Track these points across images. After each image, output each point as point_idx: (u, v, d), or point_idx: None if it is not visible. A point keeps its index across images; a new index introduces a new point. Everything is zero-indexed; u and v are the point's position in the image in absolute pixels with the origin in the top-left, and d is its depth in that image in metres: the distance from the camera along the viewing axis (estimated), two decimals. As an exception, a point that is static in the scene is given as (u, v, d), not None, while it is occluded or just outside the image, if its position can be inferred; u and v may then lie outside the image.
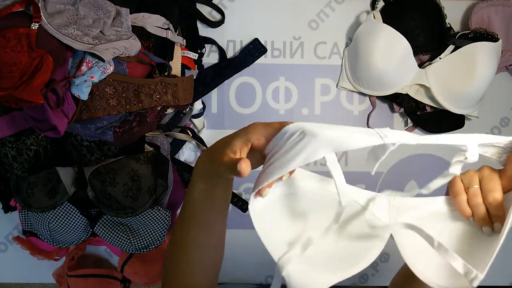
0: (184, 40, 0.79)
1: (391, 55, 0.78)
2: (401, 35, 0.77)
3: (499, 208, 0.41)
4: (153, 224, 0.80)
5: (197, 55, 0.83)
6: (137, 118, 0.71)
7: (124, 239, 0.81)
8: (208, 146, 0.86)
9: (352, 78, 0.87)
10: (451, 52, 0.81)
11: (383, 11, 0.84)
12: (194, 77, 0.83)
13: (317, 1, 0.88)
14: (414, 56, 0.79)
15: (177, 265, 0.54)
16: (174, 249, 0.54)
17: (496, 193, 0.42)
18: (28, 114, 0.63)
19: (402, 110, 0.88)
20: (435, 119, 0.86)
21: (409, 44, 0.77)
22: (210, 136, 0.89)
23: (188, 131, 0.85)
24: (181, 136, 0.84)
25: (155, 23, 0.72)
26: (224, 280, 0.93)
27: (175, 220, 0.88)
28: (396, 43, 0.78)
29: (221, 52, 0.87)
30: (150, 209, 0.78)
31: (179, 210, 0.90)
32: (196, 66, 0.86)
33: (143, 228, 0.81)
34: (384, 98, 0.88)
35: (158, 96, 0.71)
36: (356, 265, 0.41)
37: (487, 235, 0.41)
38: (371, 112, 0.89)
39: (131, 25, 0.68)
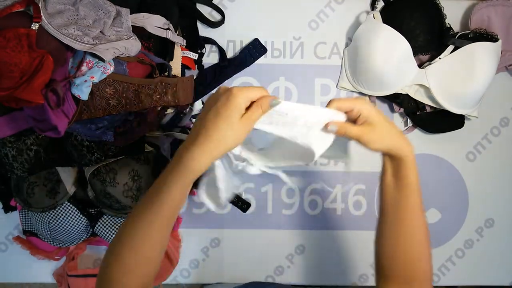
0: (184, 40, 0.79)
1: (391, 55, 0.78)
2: (401, 35, 0.77)
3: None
4: (153, 224, 0.80)
5: (197, 55, 0.83)
6: (137, 118, 0.71)
7: (124, 239, 0.81)
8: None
9: (352, 78, 0.87)
10: (451, 52, 0.81)
11: (382, 11, 0.84)
12: (194, 77, 0.83)
13: (317, 1, 0.89)
14: (414, 56, 0.79)
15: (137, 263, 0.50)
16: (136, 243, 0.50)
17: None
18: (28, 114, 0.63)
19: (402, 110, 0.88)
20: (435, 119, 0.86)
21: (409, 44, 0.77)
22: (210, 136, 0.89)
23: (188, 131, 0.85)
24: (182, 136, 0.83)
25: (155, 23, 0.72)
26: (223, 280, 0.93)
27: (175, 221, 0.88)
28: (395, 43, 0.78)
29: (221, 52, 0.87)
30: (150, 209, 0.78)
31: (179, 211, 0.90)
32: (196, 66, 0.86)
33: (143, 228, 0.81)
34: (384, 98, 0.88)
35: (158, 96, 0.71)
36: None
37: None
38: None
39: (131, 25, 0.68)
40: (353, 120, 0.53)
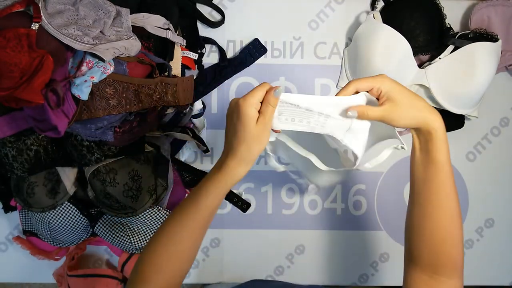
0: (184, 40, 0.79)
1: (390, 55, 0.78)
2: (401, 35, 0.77)
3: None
4: (153, 224, 0.80)
5: (197, 55, 0.83)
6: (137, 118, 0.71)
7: (124, 238, 0.81)
8: (208, 146, 0.87)
9: (352, 78, 0.87)
10: (451, 52, 0.81)
11: (382, 11, 0.84)
12: (194, 77, 0.83)
13: (317, 1, 0.88)
14: (414, 56, 0.79)
15: (169, 260, 0.53)
16: (172, 242, 0.53)
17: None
18: (28, 114, 0.63)
19: (402, 110, 0.88)
20: (435, 119, 0.86)
21: (409, 44, 0.77)
22: (210, 136, 0.89)
23: (188, 131, 0.85)
24: (181, 136, 0.84)
25: (155, 23, 0.72)
26: (223, 280, 0.93)
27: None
28: (395, 43, 0.78)
29: (221, 52, 0.87)
30: (150, 209, 0.78)
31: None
32: (196, 66, 0.86)
33: (143, 228, 0.81)
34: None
35: (158, 96, 0.71)
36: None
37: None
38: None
39: (131, 25, 0.68)
40: (376, 98, 0.52)
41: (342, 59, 0.89)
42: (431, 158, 0.52)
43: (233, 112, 0.51)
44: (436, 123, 0.51)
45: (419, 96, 0.52)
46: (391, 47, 0.78)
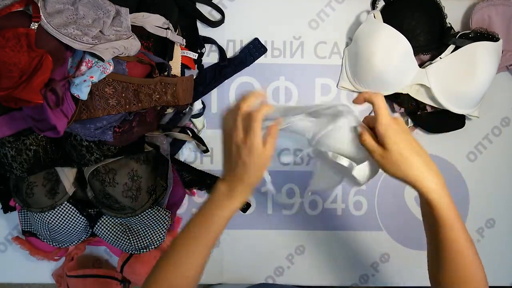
0: (184, 40, 0.79)
1: (391, 55, 0.78)
2: (402, 34, 0.77)
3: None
4: (152, 224, 0.80)
5: (197, 54, 0.82)
6: (136, 118, 0.71)
7: (123, 239, 0.81)
8: (208, 146, 0.86)
9: (352, 78, 0.87)
10: (452, 52, 0.81)
11: (383, 11, 0.84)
12: (194, 77, 0.83)
13: (317, 1, 0.88)
14: (415, 55, 0.79)
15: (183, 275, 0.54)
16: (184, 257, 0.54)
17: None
18: (27, 114, 0.62)
19: (402, 110, 0.88)
20: (436, 119, 0.86)
21: (410, 44, 0.77)
22: (210, 136, 0.89)
23: (188, 131, 0.84)
24: (181, 136, 0.83)
25: (154, 23, 0.72)
26: (223, 280, 0.92)
27: (175, 220, 0.88)
28: (396, 43, 0.78)
29: (221, 51, 0.87)
30: (149, 209, 0.78)
31: (178, 210, 0.90)
32: (196, 66, 0.85)
33: (143, 228, 0.81)
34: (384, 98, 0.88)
35: (157, 96, 0.71)
36: None
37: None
38: (371, 112, 0.89)
39: (131, 25, 0.68)
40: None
41: (343, 58, 0.89)
42: (436, 218, 0.49)
43: (239, 138, 0.51)
44: (432, 184, 0.48)
45: (419, 150, 0.50)
46: (391, 47, 0.78)
